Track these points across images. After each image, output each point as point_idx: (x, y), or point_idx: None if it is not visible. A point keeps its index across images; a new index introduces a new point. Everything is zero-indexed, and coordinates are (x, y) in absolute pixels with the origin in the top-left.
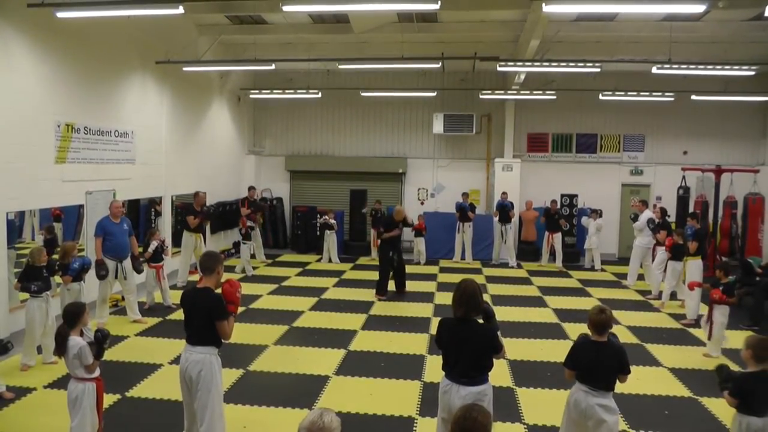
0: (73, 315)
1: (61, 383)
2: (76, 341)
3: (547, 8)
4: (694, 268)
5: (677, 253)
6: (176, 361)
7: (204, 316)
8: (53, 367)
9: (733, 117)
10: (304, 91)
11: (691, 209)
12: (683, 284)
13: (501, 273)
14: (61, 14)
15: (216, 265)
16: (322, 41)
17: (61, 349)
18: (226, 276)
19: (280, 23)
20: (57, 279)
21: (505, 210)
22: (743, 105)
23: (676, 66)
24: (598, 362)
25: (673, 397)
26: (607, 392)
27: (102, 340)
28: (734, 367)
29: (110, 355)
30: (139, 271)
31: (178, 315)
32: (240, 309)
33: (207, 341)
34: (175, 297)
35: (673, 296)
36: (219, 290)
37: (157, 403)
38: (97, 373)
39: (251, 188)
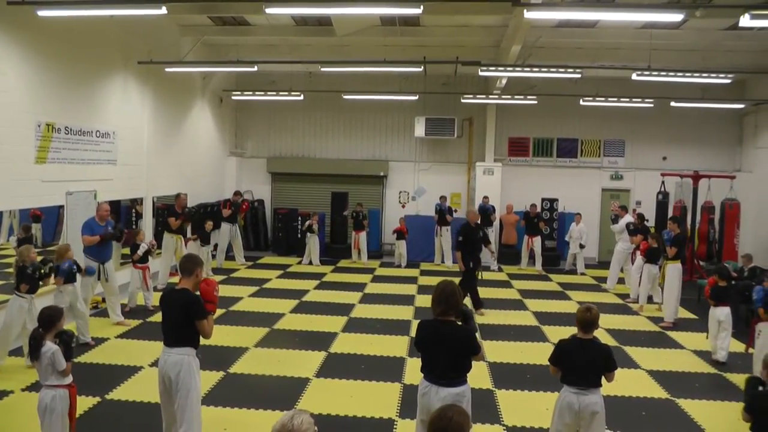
0: (50, 319)
1: (40, 386)
2: (49, 346)
3: (528, 14)
4: (673, 272)
5: (652, 257)
6: (157, 363)
7: (181, 317)
8: (33, 370)
9: (711, 124)
10: (287, 93)
11: (670, 214)
12: (659, 288)
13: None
14: (42, 13)
15: (195, 267)
16: (305, 43)
17: (35, 354)
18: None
19: (263, 25)
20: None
21: (486, 213)
22: (720, 112)
23: (655, 73)
24: (584, 360)
25: (650, 399)
26: (596, 389)
27: (68, 341)
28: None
29: (90, 357)
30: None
31: (159, 317)
32: (221, 311)
33: (184, 342)
34: (154, 299)
35: (650, 299)
36: (197, 292)
37: (137, 406)
38: (70, 379)
39: (236, 193)
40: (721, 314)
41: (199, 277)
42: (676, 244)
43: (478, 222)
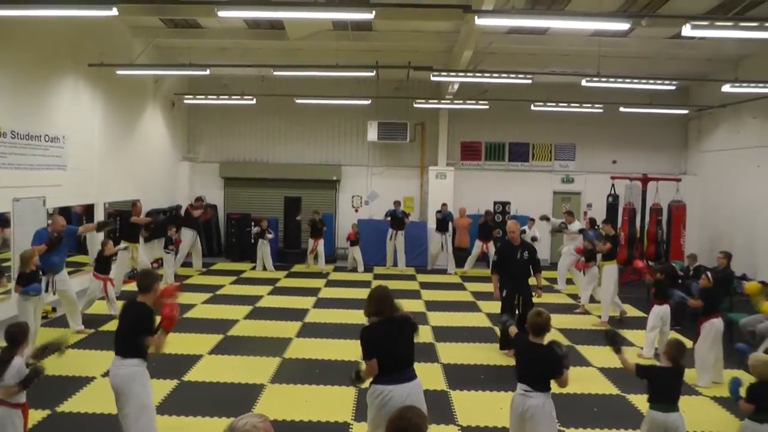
0: (17, 337)
1: None
2: (18, 361)
3: (479, 21)
4: (608, 272)
5: (589, 258)
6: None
7: (132, 329)
8: None
9: (658, 128)
10: (239, 97)
11: (620, 216)
12: (598, 287)
13: (435, 279)
14: None
15: (153, 283)
16: (257, 47)
17: (1, 375)
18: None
19: (215, 28)
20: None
21: (445, 220)
22: (667, 117)
23: (604, 79)
24: (532, 364)
25: (601, 395)
26: (543, 392)
27: (33, 376)
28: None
29: None
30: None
31: (110, 326)
32: None
33: (133, 353)
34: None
35: (593, 299)
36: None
37: (89, 418)
38: (23, 398)
39: (198, 198)
40: (666, 313)
41: (158, 292)
42: (610, 241)
43: (524, 240)
